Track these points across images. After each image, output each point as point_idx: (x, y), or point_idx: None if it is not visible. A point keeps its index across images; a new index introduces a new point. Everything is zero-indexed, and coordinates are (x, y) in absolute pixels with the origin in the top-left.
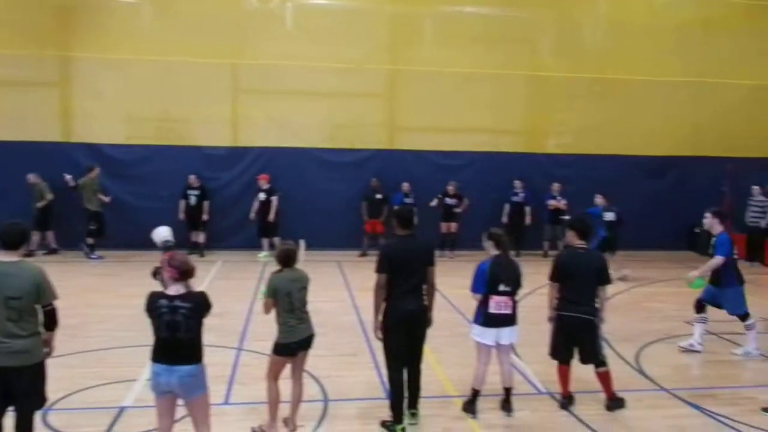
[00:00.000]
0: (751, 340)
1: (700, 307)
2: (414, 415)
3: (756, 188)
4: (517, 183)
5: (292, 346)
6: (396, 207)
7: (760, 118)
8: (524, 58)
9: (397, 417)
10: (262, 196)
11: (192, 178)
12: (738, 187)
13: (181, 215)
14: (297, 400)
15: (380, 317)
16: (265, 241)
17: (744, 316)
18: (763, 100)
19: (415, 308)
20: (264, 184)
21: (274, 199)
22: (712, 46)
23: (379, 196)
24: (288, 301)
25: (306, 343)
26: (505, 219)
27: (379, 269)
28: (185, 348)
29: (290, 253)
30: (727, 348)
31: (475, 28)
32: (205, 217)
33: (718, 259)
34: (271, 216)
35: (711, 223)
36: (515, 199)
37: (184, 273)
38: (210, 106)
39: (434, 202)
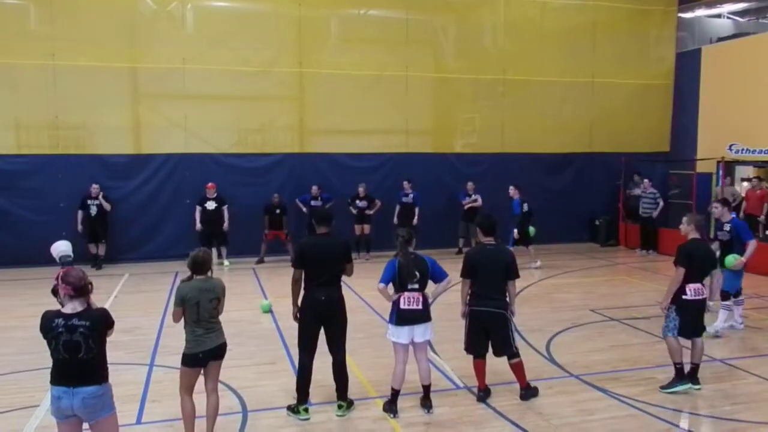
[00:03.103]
0: (733, 315)
1: (724, 295)
2: (340, 407)
3: (647, 181)
4: (406, 184)
5: (200, 355)
6: (305, 210)
7: (645, 115)
8: (428, 61)
9: (301, 398)
10: (210, 204)
11: (94, 188)
12: (630, 181)
13: (80, 227)
14: (213, 413)
15: (296, 307)
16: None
17: (735, 294)
18: (646, 98)
19: (326, 298)
20: (212, 192)
21: (225, 208)
22: (599, 48)
23: (278, 211)
24: (195, 311)
25: (216, 352)
26: (395, 220)
27: (294, 264)
28: (87, 368)
29: (201, 260)
30: (627, 333)
31: (379, 30)
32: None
33: (754, 243)
34: (225, 225)
35: (721, 212)
36: (405, 200)
37: (80, 289)
38: (108, 112)
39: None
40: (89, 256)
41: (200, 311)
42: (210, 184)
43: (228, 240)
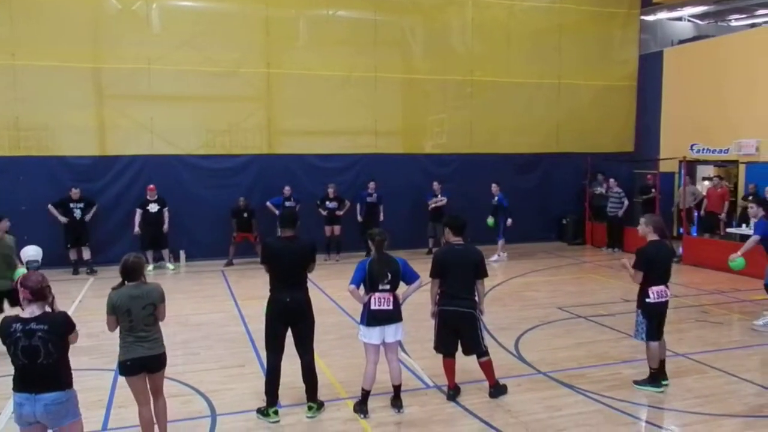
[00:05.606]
0: None
1: None
2: (311, 408)
3: (612, 180)
4: (371, 184)
5: (128, 363)
6: (277, 213)
7: (610, 115)
8: (397, 62)
9: (270, 400)
10: (153, 207)
11: (74, 191)
12: (594, 180)
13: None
14: (162, 412)
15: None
16: (151, 254)
17: None
18: (611, 99)
19: (291, 300)
20: (153, 194)
21: (166, 210)
22: (565, 50)
23: (245, 215)
24: (127, 319)
25: (148, 362)
26: (359, 218)
27: (261, 261)
28: (48, 374)
29: (131, 266)
30: (594, 330)
31: (347, 31)
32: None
33: (754, 238)
34: (166, 227)
35: (756, 211)
36: (369, 199)
37: (36, 293)
38: (71, 113)
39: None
40: (77, 261)
41: (133, 319)
42: (151, 186)
43: (167, 243)
